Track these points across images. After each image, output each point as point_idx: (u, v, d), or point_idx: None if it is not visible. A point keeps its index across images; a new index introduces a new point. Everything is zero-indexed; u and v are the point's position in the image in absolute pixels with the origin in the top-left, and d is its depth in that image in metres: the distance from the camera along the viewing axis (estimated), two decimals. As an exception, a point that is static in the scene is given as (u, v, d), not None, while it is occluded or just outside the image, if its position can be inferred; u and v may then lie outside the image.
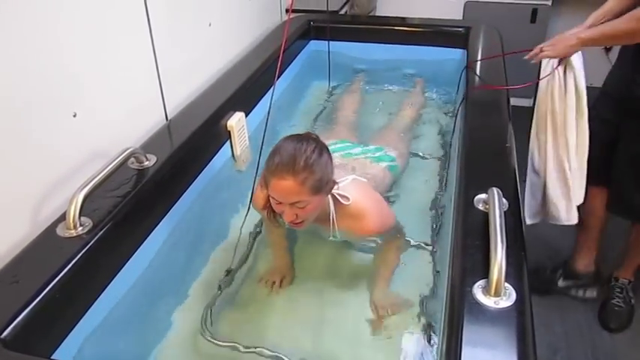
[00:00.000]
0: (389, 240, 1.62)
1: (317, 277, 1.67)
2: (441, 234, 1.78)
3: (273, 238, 1.71)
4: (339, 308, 1.55)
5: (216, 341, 1.44)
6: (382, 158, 1.90)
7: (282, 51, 1.76)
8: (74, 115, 1.44)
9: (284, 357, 1.40)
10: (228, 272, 1.65)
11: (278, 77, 1.75)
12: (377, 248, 1.66)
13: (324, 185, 1.35)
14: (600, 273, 2.19)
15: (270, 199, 1.36)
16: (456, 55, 2.59)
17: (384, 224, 1.53)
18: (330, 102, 2.61)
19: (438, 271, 1.63)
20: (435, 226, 1.83)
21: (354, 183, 1.52)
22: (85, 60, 1.47)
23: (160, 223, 1.57)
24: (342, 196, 1.44)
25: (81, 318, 1.25)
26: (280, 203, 1.34)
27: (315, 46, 2.76)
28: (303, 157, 1.29)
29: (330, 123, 2.37)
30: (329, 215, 1.46)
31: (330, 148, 1.59)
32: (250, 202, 1.73)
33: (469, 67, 2.18)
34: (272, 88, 1.75)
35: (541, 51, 1.70)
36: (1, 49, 1.21)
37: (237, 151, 1.98)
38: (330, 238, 1.53)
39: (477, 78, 2.10)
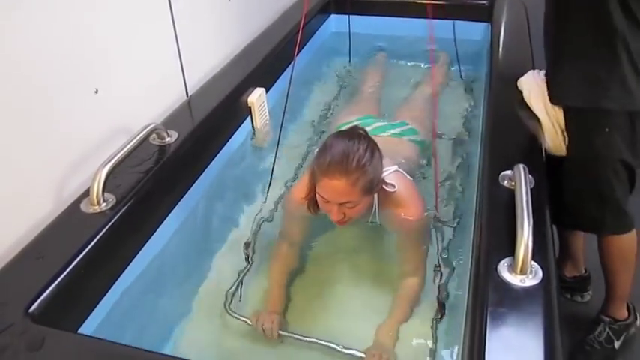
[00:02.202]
0: (411, 270, 1.51)
1: (343, 261, 1.65)
2: (462, 210, 1.76)
3: (276, 269, 1.54)
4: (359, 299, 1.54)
5: (239, 316, 1.44)
6: (405, 133, 1.87)
7: (302, 25, 1.72)
8: (96, 92, 1.44)
9: (299, 336, 1.39)
10: (247, 251, 1.64)
11: (298, 52, 1.73)
12: (398, 270, 1.56)
13: (374, 186, 1.35)
14: (588, 277, 1.97)
15: (318, 196, 1.35)
16: (479, 28, 2.53)
17: (421, 217, 1.52)
18: (351, 76, 2.57)
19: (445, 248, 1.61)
20: (458, 202, 1.81)
21: (397, 173, 1.51)
22: (105, 37, 1.47)
23: (182, 199, 1.58)
24: (388, 184, 1.43)
25: (105, 293, 1.27)
26: (328, 202, 1.33)
27: (335, 20, 2.72)
28: (355, 157, 1.28)
29: (352, 97, 2.34)
30: (372, 203, 1.45)
31: (354, 124, 1.58)
32: (270, 184, 1.73)
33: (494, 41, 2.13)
34: (292, 64, 1.73)
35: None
36: (23, 28, 1.21)
37: (258, 126, 1.97)
38: (369, 222, 1.52)
39: (501, 52, 2.05)
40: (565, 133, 1.52)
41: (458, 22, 2.55)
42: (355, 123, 1.70)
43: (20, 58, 1.21)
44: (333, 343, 1.34)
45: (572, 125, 1.50)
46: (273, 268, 1.55)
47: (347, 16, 2.55)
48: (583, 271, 1.96)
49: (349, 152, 1.29)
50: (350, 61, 2.65)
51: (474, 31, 2.57)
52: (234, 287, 1.52)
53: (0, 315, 1.05)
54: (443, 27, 2.50)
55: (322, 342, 1.35)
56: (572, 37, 1.45)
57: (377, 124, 1.85)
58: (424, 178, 1.84)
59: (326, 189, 1.30)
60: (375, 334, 1.37)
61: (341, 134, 1.40)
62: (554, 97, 1.52)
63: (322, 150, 1.34)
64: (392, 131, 1.86)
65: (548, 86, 1.54)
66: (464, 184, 1.87)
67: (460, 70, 2.52)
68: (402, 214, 1.48)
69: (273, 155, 1.90)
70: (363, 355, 1.31)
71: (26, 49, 1.22)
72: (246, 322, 1.42)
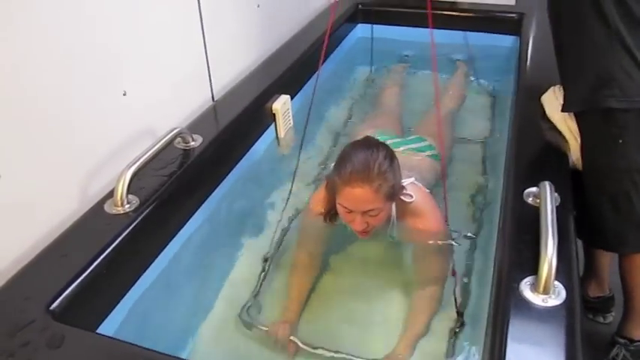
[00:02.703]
0: (428, 281, 1.50)
1: (361, 274, 1.64)
2: (484, 224, 1.73)
3: (294, 280, 1.53)
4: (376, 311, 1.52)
5: (256, 324, 1.44)
6: (423, 149, 1.85)
7: (327, 34, 1.73)
8: (124, 94, 1.46)
9: (311, 347, 1.37)
10: (266, 260, 1.63)
11: (323, 62, 1.73)
12: (416, 281, 1.55)
13: (396, 191, 1.36)
14: (612, 298, 1.91)
15: (340, 207, 1.35)
16: (508, 41, 2.51)
17: (440, 224, 1.52)
18: (371, 88, 2.57)
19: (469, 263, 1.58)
20: (477, 215, 1.78)
21: (413, 185, 1.51)
22: (134, 40, 1.49)
23: (204, 203, 1.59)
24: (406, 194, 1.43)
25: (126, 293, 1.28)
26: (351, 212, 1.33)
27: (362, 30, 2.72)
28: (376, 165, 1.29)
29: (372, 110, 2.33)
30: (391, 213, 1.44)
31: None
32: (290, 192, 1.73)
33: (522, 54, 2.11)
34: (317, 74, 1.73)
35: None
36: (53, 31, 1.23)
37: (282, 134, 1.98)
38: (388, 237, 1.51)
39: (529, 66, 2.03)
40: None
41: (487, 35, 2.54)
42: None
43: (47, 61, 1.23)
44: (347, 354, 1.33)
45: (586, 137, 1.48)
46: (291, 278, 1.55)
47: (372, 25, 2.55)
48: (607, 291, 1.92)
49: (369, 160, 1.30)
50: (372, 70, 2.64)
51: (502, 44, 2.55)
52: (252, 295, 1.52)
53: (22, 311, 1.06)
54: (473, 39, 2.50)
55: (336, 354, 1.34)
56: (572, 44, 1.44)
57: (392, 140, 1.84)
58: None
59: (349, 198, 1.30)
60: (394, 348, 1.35)
61: (358, 144, 1.41)
62: (564, 105, 1.51)
63: (341, 160, 1.34)
64: (408, 146, 1.84)
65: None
66: (486, 198, 1.84)
67: (478, 79, 2.50)
68: (420, 225, 1.47)
69: (295, 163, 1.91)
70: None
71: (54, 51, 1.24)
72: (261, 329, 1.41)
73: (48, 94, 1.24)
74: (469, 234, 1.70)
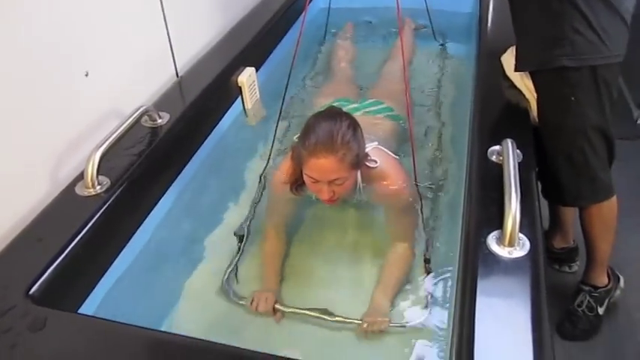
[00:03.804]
0: (400, 237, 1.54)
1: (332, 238, 1.67)
2: (450, 179, 1.78)
3: (267, 251, 1.55)
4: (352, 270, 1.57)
5: (236, 298, 1.46)
6: (380, 111, 1.88)
7: (305, 12, 1.70)
8: (86, 75, 1.45)
9: (295, 309, 1.41)
10: (241, 237, 1.64)
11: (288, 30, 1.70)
12: (388, 239, 1.58)
13: (360, 160, 1.38)
14: (576, 248, 2.00)
15: (306, 177, 1.38)
16: (468, 2, 2.53)
17: (405, 184, 1.55)
18: (324, 53, 2.56)
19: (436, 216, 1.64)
20: (442, 171, 1.83)
21: (377, 149, 1.54)
22: (94, 19, 1.46)
23: (175, 181, 1.59)
24: (370, 160, 1.46)
25: (103, 274, 1.29)
26: (317, 182, 1.35)
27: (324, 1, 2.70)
28: (340, 135, 1.32)
29: (327, 76, 2.33)
30: (356, 181, 1.47)
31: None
32: (266, 166, 1.74)
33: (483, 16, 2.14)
34: (296, 50, 1.72)
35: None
36: (10, 17, 1.21)
37: (249, 106, 1.98)
38: (355, 200, 1.54)
39: (490, 27, 2.06)
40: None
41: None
42: (335, 105, 1.74)
43: (10, 44, 1.21)
44: (329, 312, 1.38)
45: (540, 95, 1.53)
46: (263, 250, 1.57)
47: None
48: (571, 242, 2.01)
49: (333, 130, 1.32)
50: (325, 37, 2.64)
51: (462, 5, 2.57)
52: (229, 270, 1.53)
53: (1, 298, 1.07)
54: (432, 1, 2.51)
55: (319, 313, 1.38)
56: (524, 5, 1.48)
57: (352, 105, 1.86)
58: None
59: (314, 168, 1.33)
60: (370, 300, 1.40)
61: (321, 115, 1.44)
62: (516, 65, 1.55)
63: (305, 132, 1.36)
64: (367, 109, 1.86)
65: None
66: (450, 155, 1.88)
67: (434, 33, 2.53)
68: (386, 188, 1.51)
69: (264, 135, 1.93)
70: (360, 321, 1.35)
71: (15, 33, 1.22)
72: (242, 304, 1.44)
73: (10, 79, 1.22)
74: (433, 186, 1.74)
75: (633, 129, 2.75)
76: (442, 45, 2.55)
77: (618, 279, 1.87)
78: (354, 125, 1.38)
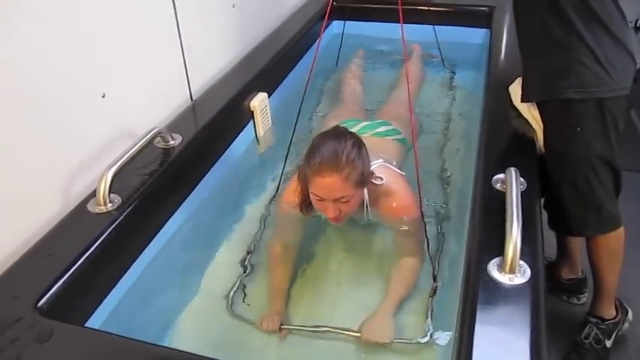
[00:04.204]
0: (410, 247, 1.57)
1: (339, 258, 1.69)
2: (455, 203, 1.81)
3: (275, 272, 1.57)
4: (360, 289, 1.58)
5: (243, 318, 1.48)
6: (389, 133, 1.91)
7: (320, 36, 1.74)
8: (103, 96, 1.49)
9: (301, 328, 1.43)
10: (249, 252, 1.67)
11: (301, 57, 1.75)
12: (395, 255, 1.60)
13: (365, 178, 1.41)
14: (585, 279, 1.98)
15: (312, 196, 1.40)
16: (479, 34, 2.57)
17: (413, 205, 1.57)
18: (335, 79, 2.61)
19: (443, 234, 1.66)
20: (447, 193, 1.86)
21: (382, 167, 1.56)
22: (112, 42, 1.52)
23: (185, 201, 1.63)
24: (375, 177, 1.48)
25: (111, 289, 1.32)
26: (322, 200, 1.38)
27: (337, 27, 2.76)
28: (345, 154, 1.34)
29: (337, 100, 2.37)
30: (363, 199, 1.49)
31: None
32: (277, 189, 1.77)
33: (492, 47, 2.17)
34: (308, 79, 1.76)
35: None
36: (31, 34, 1.26)
37: (260, 131, 2.02)
38: (365, 220, 1.56)
39: (499, 58, 2.09)
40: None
41: (459, 28, 2.61)
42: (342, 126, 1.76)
43: (29, 63, 1.26)
44: (333, 327, 1.40)
45: (546, 125, 1.54)
46: (271, 269, 1.59)
47: (348, 21, 2.60)
48: (580, 273, 2.00)
49: (338, 149, 1.35)
50: (338, 63, 2.69)
51: (473, 37, 2.61)
52: (235, 289, 1.56)
53: (10, 309, 1.10)
54: (444, 33, 2.56)
55: (323, 329, 1.40)
56: (530, 37, 1.50)
57: (359, 125, 1.89)
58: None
59: (320, 187, 1.35)
60: (375, 311, 1.42)
61: (326, 134, 1.46)
62: (523, 95, 1.57)
63: (311, 151, 1.39)
64: (374, 131, 1.89)
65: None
66: (455, 181, 1.91)
67: (443, 60, 2.58)
68: (394, 203, 1.53)
69: (274, 158, 1.97)
70: (359, 333, 1.37)
71: (34, 54, 1.27)
72: (251, 322, 1.46)
73: (29, 98, 1.27)
74: (442, 205, 1.78)
75: (644, 161, 2.74)
76: (452, 73, 2.59)
77: (627, 312, 1.85)
78: (358, 144, 1.41)
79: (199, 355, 1.02)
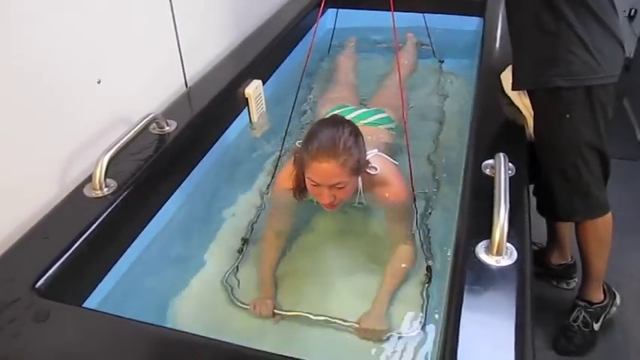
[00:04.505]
0: (401, 240, 1.59)
1: (331, 244, 1.72)
2: (444, 188, 1.84)
3: (266, 258, 1.59)
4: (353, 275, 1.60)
5: (239, 303, 1.50)
6: (382, 121, 1.93)
7: (319, 14, 1.74)
8: (99, 82, 1.51)
9: (295, 313, 1.46)
10: (245, 241, 1.69)
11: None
12: (388, 243, 1.63)
13: (361, 166, 1.43)
14: (574, 265, 2.02)
15: (308, 182, 1.43)
16: (473, 22, 2.59)
17: (406, 195, 1.59)
18: (328, 63, 2.63)
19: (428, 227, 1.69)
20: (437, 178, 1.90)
21: (377, 157, 1.59)
22: (107, 28, 1.53)
23: (180, 187, 1.65)
24: (370, 167, 1.51)
25: (108, 272, 1.34)
26: (318, 186, 1.40)
27: (332, 16, 2.77)
28: (342, 141, 1.37)
29: (330, 85, 2.38)
30: (357, 187, 1.52)
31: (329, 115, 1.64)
32: (274, 174, 1.79)
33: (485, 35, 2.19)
34: (305, 65, 1.78)
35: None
36: (27, 20, 1.27)
37: (255, 118, 2.04)
38: (356, 203, 1.59)
39: (492, 46, 2.11)
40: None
41: (452, 16, 2.62)
42: (336, 112, 1.81)
43: (26, 50, 1.28)
44: (327, 316, 1.42)
45: (536, 112, 1.57)
46: (262, 257, 1.61)
47: (341, 9, 2.62)
48: (569, 259, 2.03)
49: (335, 136, 1.37)
50: (330, 49, 2.70)
51: (467, 25, 2.63)
52: (230, 273, 1.58)
53: (7, 290, 1.12)
54: (438, 21, 2.57)
55: (317, 316, 1.43)
56: (520, 26, 1.52)
57: (353, 114, 1.91)
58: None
59: (316, 172, 1.37)
60: (372, 304, 1.45)
61: (325, 121, 1.49)
62: (513, 84, 1.59)
63: (309, 137, 1.41)
64: (368, 119, 1.91)
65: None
66: (448, 165, 1.94)
67: (433, 50, 2.60)
68: (387, 193, 1.56)
69: (268, 146, 1.99)
70: (357, 324, 1.40)
71: (31, 40, 1.29)
72: (242, 306, 1.49)
73: (27, 84, 1.28)
74: (427, 191, 1.81)
75: (635, 149, 2.77)
76: (441, 62, 2.61)
77: (614, 296, 1.89)
78: (355, 132, 1.43)
79: (195, 335, 1.05)
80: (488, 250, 1.15)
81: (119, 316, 1.09)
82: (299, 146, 1.50)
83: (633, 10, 3.20)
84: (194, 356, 1.01)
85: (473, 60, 2.42)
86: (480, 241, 1.17)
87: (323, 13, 2.71)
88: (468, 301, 1.06)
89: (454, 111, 2.26)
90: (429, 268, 1.54)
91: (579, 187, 1.56)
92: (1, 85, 1.22)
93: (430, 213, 1.73)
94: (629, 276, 2.11)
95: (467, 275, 1.11)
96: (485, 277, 1.11)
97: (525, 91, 1.60)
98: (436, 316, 1.41)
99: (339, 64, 2.53)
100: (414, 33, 2.64)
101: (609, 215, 1.65)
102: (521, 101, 1.62)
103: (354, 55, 2.65)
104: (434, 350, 1.30)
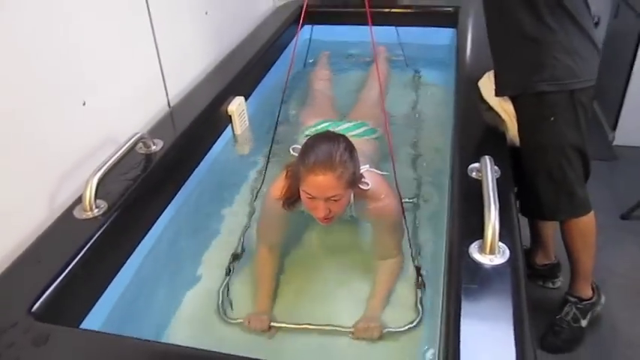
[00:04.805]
0: (388, 253, 1.62)
1: (322, 256, 1.74)
2: (431, 195, 1.89)
3: (261, 272, 1.61)
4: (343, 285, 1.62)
5: (232, 320, 1.51)
6: (366, 133, 1.97)
7: (299, 28, 1.78)
8: (84, 104, 1.51)
9: (290, 325, 1.47)
10: (235, 256, 1.70)
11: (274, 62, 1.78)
12: (376, 255, 1.66)
13: (356, 179, 1.46)
14: (558, 264, 2.07)
15: (303, 195, 1.44)
16: (446, 34, 2.66)
17: (395, 205, 1.61)
18: (303, 81, 2.68)
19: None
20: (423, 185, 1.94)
21: (368, 172, 1.61)
22: (91, 51, 1.53)
23: (169, 205, 1.65)
24: (363, 182, 1.53)
25: (102, 292, 1.33)
26: (314, 199, 1.42)
27: (306, 31, 2.82)
28: (338, 154, 1.39)
29: (308, 100, 2.42)
30: (349, 201, 1.54)
31: (315, 128, 1.71)
32: (261, 185, 1.80)
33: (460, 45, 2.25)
34: (287, 79, 1.81)
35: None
36: (12, 43, 1.27)
37: (239, 133, 2.06)
38: (346, 216, 1.61)
39: (467, 55, 2.17)
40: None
41: (425, 29, 2.69)
42: (322, 126, 1.88)
43: (15, 75, 1.28)
44: (321, 324, 1.44)
45: (520, 117, 1.60)
46: (257, 272, 1.62)
47: (319, 26, 2.66)
48: (553, 258, 2.08)
49: (332, 150, 1.40)
50: (305, 65, 2.76)
51: (440, 37, 2.70)
52: (223, 290, 1.59)
53: (3, 315, 1.10)
54: (412, 33, 2.64)
55: (312, 326, 1.44)
56: (502, 33, 1.56)
57: (340, 127, 1.95)
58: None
59: (313, 185, 1.39)
60: (365, 310, 1.48)
61: (320, 136, 1.51)
62: (496, 90, 1.64)
63: (305, 151, 1.43)
64: (354, 132, 1.95)
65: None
66: (430, 172, 1.99)
67: (405, 59, 2.68)
68: (377, 209, 1.58)
69: (253, 160, 2.01)
70: (351, 329, 1.42)
71: (15, 62, 1.28)
72: (237, 322, 1.49)
73: (10, 107, 1.27)
74: (414, 200, 1.86)
75: (608, 150, 2.86)
76: (417, 72, 2.68)
77: (600, 295, 1.94)
78: (350, 147, 1.46)
79: (195, 349, 1.05)
80: (482, 249, 1.17)
81: (119, 335, 1.09)
82: (293, 153, 1.53)
83: (597, 18, 3.33)
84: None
85: (447, 70, 2.49)
86: (472, 242, 1.20)
87: (302, 28, 2.77)
88: (465, 298, 1.08)
89: (431, 118, 2.32)
90: (418, 271, 1.57)
91: (564, 187, 1.61)
92: (-11, 111, 1.22)
93: (417, 218, 1.77)
94: (612, 272, 2.17)
95: (463, 274, 1.14)
96: (480, 275, 1.13)
97: (507, 97, 1.64)
98: (430, 314, 1.44)
99: (314, 78, 2.57)
100: (388, 46, 2.70)
101: (592, 213, 1.70)
102: (501, 106, 1.67)
103: (328, 68, 2.70)
104: (429, 347, 1.33)
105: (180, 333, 1.47)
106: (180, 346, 1.09)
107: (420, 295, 1.52)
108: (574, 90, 1.49)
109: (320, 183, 1.37)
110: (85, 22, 1.50)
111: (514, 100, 1.62)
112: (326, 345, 1.44)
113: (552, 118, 1.53)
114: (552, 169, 1.59)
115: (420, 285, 1.55)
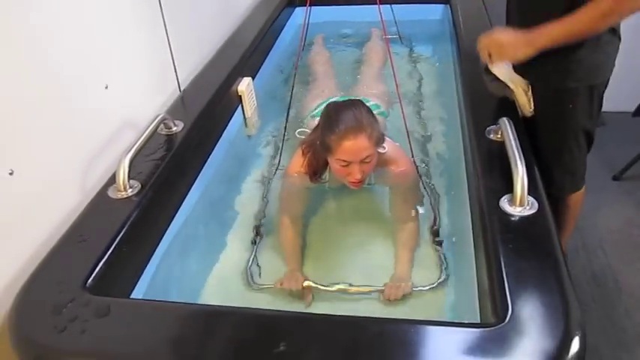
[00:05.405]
0: (407, 215, 1.69)
1: (344, 224, 1.80)
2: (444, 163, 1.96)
3: (287, 237, 1.66)
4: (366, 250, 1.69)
5: (263, 285, 1.56)
6: (373, 108, 2.01)
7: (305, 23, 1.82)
8: (106, 87, 1.53)
9: (324, 285, 1.51)
10: (257, 228, 1.75)
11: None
12: (395, 220, 1.72)
13: (381, 138, 1.52)
14: None
15: (337, 163, 1.49)
16: (438, 10, 2.73)
17: (412, 171, 1.69)
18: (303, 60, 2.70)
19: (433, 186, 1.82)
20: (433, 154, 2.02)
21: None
22: (107, 37, 1.55)
23: (195, 182, 1.70)
24: (381, 146, 1.59)
25: (145, 266, 1.37)
26: (348, 165, 1.46)
27: (301, 13, 2.85)
28: (363, 116, 1.46)
29: (310, 81, 2.46)
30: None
31: (320, 109, 1.76)
32: (279, 161, 1.86)
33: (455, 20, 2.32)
34: (296, 62, 1.84)
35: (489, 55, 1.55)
36: (40, 43, 1.29)
37: (249, 113, 2.09)
38: (366, 184, 1.67)
39: (464, 29, 2.23)
40: (531, 99, 1.64)
41: (417, 6, 2.75)
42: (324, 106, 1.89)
43: (38, 59, 1.29)
44: (354, 284, 1.50)
45: (539, 99, 1.62)
46: (283, 238, 1.67)
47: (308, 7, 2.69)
48: None
49: (356, 114, 1.47)
50: (303, 47, 2.76)
51: (432, 13, 2.76)
52: (250, 263, 1.63)
53: (60, 292, 1.13)
54: (404, 11, 2.69)
55: (343, 285, 1.49)
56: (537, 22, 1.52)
57: None
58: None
59: (348, 150, 1.44)
60: (393, 273, 1.54)
61: (338, 105, 1.57)
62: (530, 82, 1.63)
63: (328, 122, 1.48)
64: None
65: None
66: (438, 139, 2.07)
67: (400, 37, 2.72)
68: (395, 170, 1.65)
69: (265, 138, 2.06)
70: (382, 287, 1.48)
71: (42, 50, 1.30)
72: (269, 286, 1.54)
73: (40, 94, 1.29)
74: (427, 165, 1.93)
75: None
76: (411, 49, 2.75)
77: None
78: (368, 108, 1.53)
79: (241, 307, 1.10)
80: (512, 202, 1.24)
81: (169, 302, 1.15)
82: (299, 136, 1.57)
83: None
84: (243, 326, 1.05)
85: (441, 44, 2.55)
86: (501, 196, 1.27)
87: (292, 13, 2.81)
88: (503, 248, 1.15)
89: (433, 91, 2.39)
90: (436, 232, 1.65)
91: (572, 167, 1.66)
92: (23, 101, 1.23)
93: (431, 181, 1.85)
94: (610, 230, 2.28)
95: (496, 226, 1.20)
96: (513, 225, 1.20)
97: (512, 68, 1.67)
98: (456, 268, 1.52)
99: (314, 60, 2.61)
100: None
101: (584, 188, 1.76)
102: (508, 76, 1.70)
103: (325, 49, 2.74)
104: (458, 299, 1.42)
105: (219, 293, 1.53)
106: (225, 306, 1.13)
107: (442, 253, 1.59)
108: (595, 84, 1.53)
109: (354, 147, 1.43)
110: (101, 8, 1.52)
111: (533, 87, 1.63)
112: (356, 306, 1.49)
113: (571, 106, 1.56)
114: (563, 151, 1.63)
115: (440, 243, 1.61)
